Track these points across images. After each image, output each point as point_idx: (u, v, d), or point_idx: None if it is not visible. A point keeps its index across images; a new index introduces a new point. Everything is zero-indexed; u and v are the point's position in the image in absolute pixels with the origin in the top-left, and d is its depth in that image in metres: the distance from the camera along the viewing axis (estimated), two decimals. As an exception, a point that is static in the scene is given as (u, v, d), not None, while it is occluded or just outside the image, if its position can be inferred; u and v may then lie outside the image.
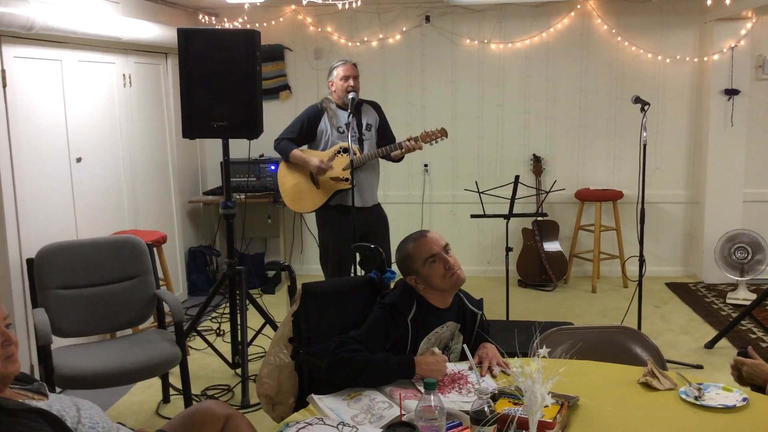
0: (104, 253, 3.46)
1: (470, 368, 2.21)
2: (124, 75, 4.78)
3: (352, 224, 4.02)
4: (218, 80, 3.60)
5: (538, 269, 5.79)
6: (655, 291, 5.64)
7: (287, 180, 4.34)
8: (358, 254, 3.87)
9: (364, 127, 4.27)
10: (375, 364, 2.14)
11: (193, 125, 3.68)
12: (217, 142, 4.00)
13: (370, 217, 4.32)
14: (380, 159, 4.33)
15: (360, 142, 4.24)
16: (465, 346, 2.11)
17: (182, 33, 3.60)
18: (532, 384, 1.64)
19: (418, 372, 2.14)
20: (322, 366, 2.22)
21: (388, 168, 5.66)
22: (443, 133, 4.30)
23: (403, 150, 4.23)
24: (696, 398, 1.99)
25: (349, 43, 6.04)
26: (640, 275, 4.17)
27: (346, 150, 4.15)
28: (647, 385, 2.09)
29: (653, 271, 5.93)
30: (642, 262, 4.11)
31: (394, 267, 2.59)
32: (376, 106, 4.42)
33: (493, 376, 2.20)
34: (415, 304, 2.36)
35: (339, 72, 4.20)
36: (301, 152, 4.25)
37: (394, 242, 2.73)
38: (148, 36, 4.76)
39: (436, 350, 2.24)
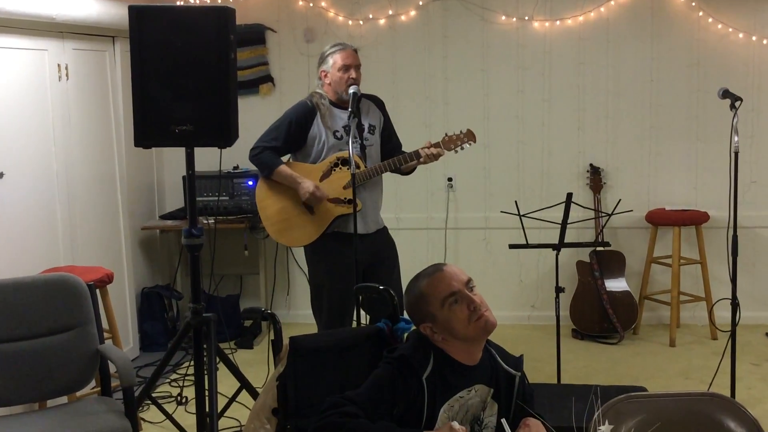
0: (32, 296, 3.46)
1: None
2: (59, 65, 4.83)
3: (353, 257, 4.02)
4: (181, 72, 3.62)
5: (599, 315, 5.77)
6: (753, 344, 5.62)
7: (270, 203, 4.32)
8: (361, 297, 3.87)
9: (366, 130, 4.28)
10: None
11: (149, 130, 3.69)
12: (180, 152, 4.01)
13: (375, 247, 4.33)
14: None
15: (362, 149, 4.25)
16: (504, 421, 2.10)
17: (134, 11, 3.63)
18: (594, 471, 1.63)
19: None
20: None
21: (400, 183, 5.68)
22: (470, 136, 4.33)
23: (422, 160, 4.24)
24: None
25: (350, 22, 6.09)
26: (733, 323, 4.14)
27: (345, 162, 4.14)
28: (746, 472, 2.07)
29: (750, 317, 5.87)
30: (735, 305, 4.09)
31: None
32: (378, 103, 4.46)
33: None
34: (432, 358, 2.35)
35: (336, 60, 4.22)
36: (289, 169, 4.24)
37: (407, 278, 2.72)
38: (90, 14, 4.82)
39: (456, 425, 2.22)
